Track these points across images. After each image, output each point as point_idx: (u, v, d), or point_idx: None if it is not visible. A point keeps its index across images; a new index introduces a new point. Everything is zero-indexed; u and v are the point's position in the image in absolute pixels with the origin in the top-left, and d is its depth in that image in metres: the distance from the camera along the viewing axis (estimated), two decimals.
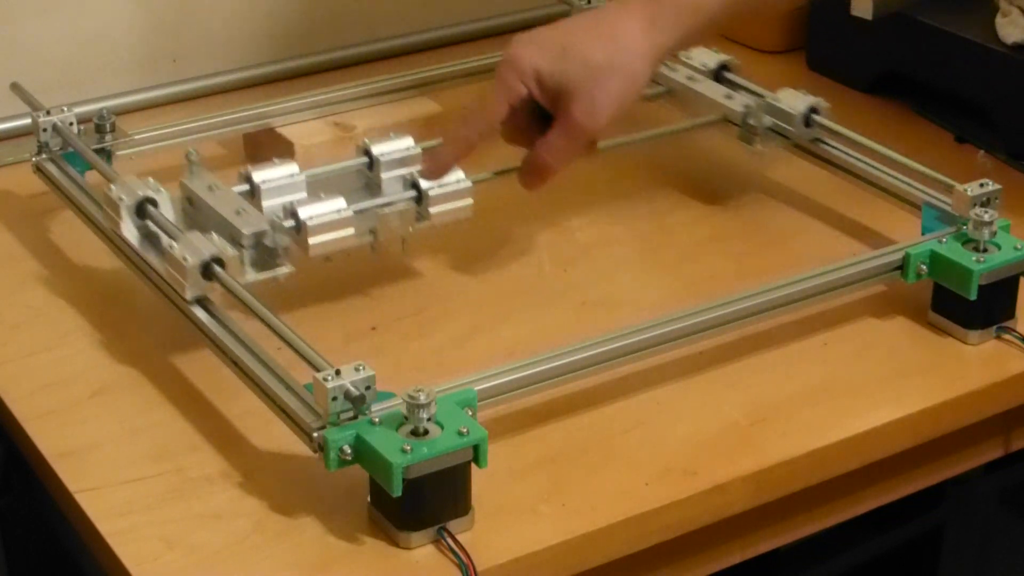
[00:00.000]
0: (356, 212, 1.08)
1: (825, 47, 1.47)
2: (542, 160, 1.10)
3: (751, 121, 1.23)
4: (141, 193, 1.06)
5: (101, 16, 1.39)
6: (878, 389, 1.04)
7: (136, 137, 1.22)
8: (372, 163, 1.12)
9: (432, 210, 1.11)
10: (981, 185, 1.10)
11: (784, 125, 1.23)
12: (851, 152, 1.21)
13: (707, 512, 0.96)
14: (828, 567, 1.36)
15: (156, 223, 1.05)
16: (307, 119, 1.29)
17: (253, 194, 1.09)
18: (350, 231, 1.07)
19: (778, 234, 1.22)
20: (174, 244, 1.01)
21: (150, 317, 1.09)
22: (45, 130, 1.19)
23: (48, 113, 1.19)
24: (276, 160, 1.11)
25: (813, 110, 1.22)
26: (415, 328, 1.10)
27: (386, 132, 1.27)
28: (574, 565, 0.92)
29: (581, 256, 1.18)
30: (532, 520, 0.92)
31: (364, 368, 0.89)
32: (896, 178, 1.17)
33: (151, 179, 1.08)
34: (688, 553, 0.99)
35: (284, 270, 1.03)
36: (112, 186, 1.07)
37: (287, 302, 1.08)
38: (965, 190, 1.10)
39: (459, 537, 0.89)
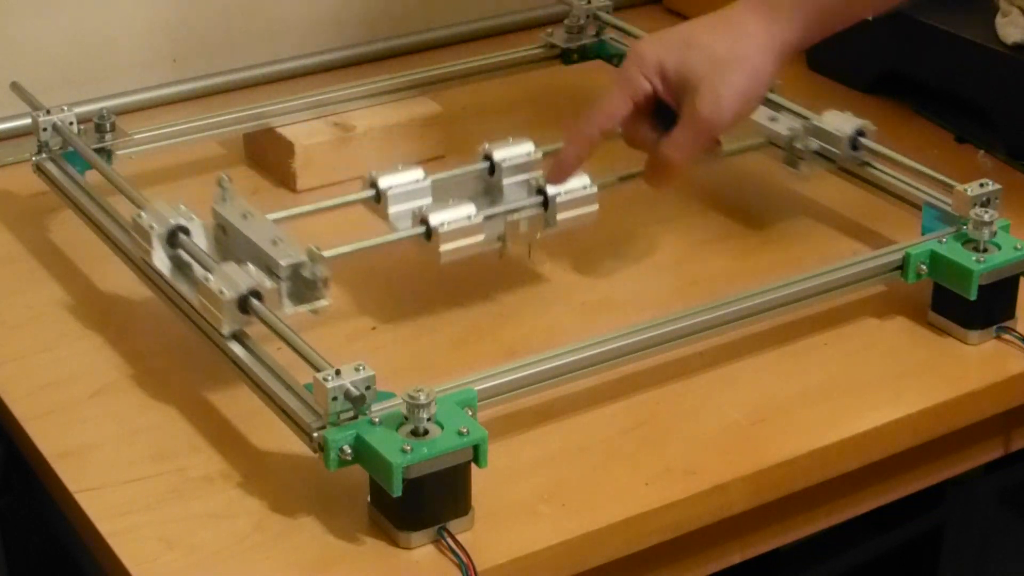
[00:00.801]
0: (485, 218, 1.08)
1: (825, 47, 1.46)
2: (667, 157, 1.09)
3: (797, 145, 1.21)
4: (173, 221, 1.03)
5: (101, 16, 1.39)
6: (878, 389, 1.04)
7: (136, 137, 1.22)
8: (493, 168, 1.12)
9: (559, 216, 1.10)
10: (981, 185, 1.10)
11: (831, 148, 1.20)
12: (895, 174, 1.18)
13: (707, 512, 0.96)
14: (828, 567, 1.36)
15: (189, 253, 1.02)
16: (307, 119, 1.29)
17: (378, 199, 1.09)
18: (480, 237, 1.07)
19: (778, 234, 1.22)
20: (209, 276, 0.98)
21: (150, 317, 1.09)
22: (45, 130, 1.19)
23: (48, 113, 1.19)
24: (400, 166, 1.10)
25: (860, 133, 1.19)
26: (415, 328, 1.10)
27: (388, 132, 1.28)
28: (574, 565, 0.92)
29: (581, 256, 1.18)
30: (532, 520, 0.92)
31: (364, 368, 0.89)
32: (896, 178, 1.17)
33: (183, 206, 1.04)
34: (688, 553, 0.99)
35: (323, 303, 1.00)
36: (143, 213, 1.04)
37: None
38: (965, 190, 1.10)
39: (459, 537, 0.89)
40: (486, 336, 1.09)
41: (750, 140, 1.24)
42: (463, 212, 1.07)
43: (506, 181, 1.12)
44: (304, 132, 1.28)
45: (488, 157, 1.13)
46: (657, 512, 0.93)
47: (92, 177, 1.17)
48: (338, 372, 0.89)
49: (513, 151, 1.13)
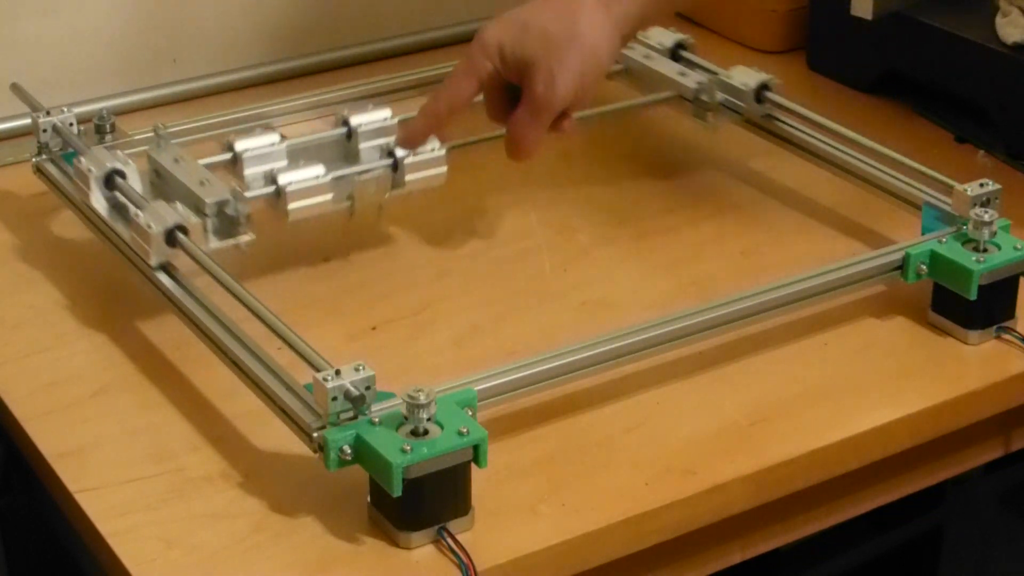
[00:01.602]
0: (334, 179, 1.12)
1: (825, 47, 1.47)
2: (513, 134, 1.12)
3: (704, 97, 1.27)
4: (110, 165, 1.10)
5: (101, 16, 1.39)
6: (878, 389, 1.04)
7: (136, 137, 1.22)
8: (350, 133, 1.16)
9: (407, 177, 1.15)
10: (981, 185, 1.10)
11: (736, 101, 1.26)
12: (801, 127, 1.24)
13: (707, 512, 0.96)
14: (828, 567, 1.37)
15: (124, 194, 1.09)
16: (307, 119, 1.29)
17: (235, 162, 1.13)
18: (328, 197, 1.11)
19: (778, 234, 1.22)
20: (140, 213, 1.05)
21: (150, 317, 1.09)
22: (45, 130, 1.19)
23: (48, 113, 1.19)
24: (258, 130, 1.15)
25: (764, 86, 1.25)
26: (415, 328, 1.10)
27: (387, 131, 1.28)
28: (574, 565, 0.92)
29: (581, 256, 1.18)
30: (532, 520, 0.92)
31: (364, 368, 0.89)
32: (896, 178, 1.17)
33: (120, 152, 1.12)
34: (688, 553, 0.99)
35: (245, 238, 1.07)
36: (82, 159, 1.11)
37: (287, 302, 1.08)
38: (965, 190, 1.10)
39: (459, 537, 0.89)
40: (486, 336, 1.09)
41: (660, 93, 1.29)
42: (311, 172, 1.11)
43: (362, 145, 1.16)
44: (304, 132, 1.27)
45: (345, 122, 1.17)
46: (657, 512, 0.93)
47: None
48: (338, 372, 0.89)
49: (369, 116, 1.17)
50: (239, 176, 1.13)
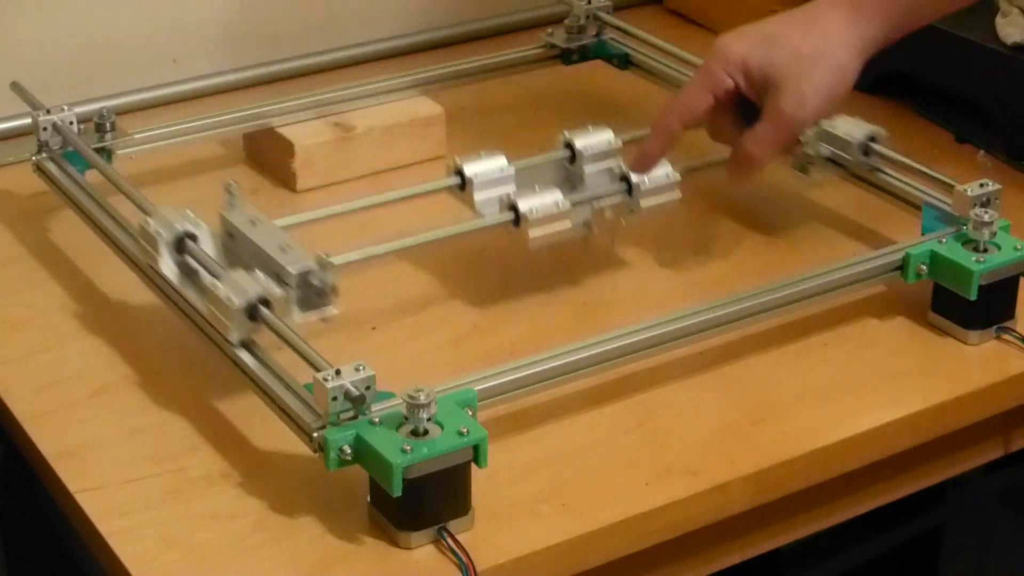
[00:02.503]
0: (573, 205, 1.10)
1: None
2: (749, 152, 1.10)
3: (808, 150, 1.20)
4: (180, 228, 1.02)
5: (101, 16, 1.39)
6: (878, 389, 1.04)
7: (136, 136, 1.22)
8: (574, 156, 1.14)
9: (642, 203, 1.13)
10: (981, 185, 1.10)
11: (842, 154, 1.19)
12: (895, 174, 1.18)
13: (707, 512, 0.96)
14: (828, 567, 1.36)
15: (196, 259, 1.01)
16: (307, 119, 1.29)
17: (463, 187, 1.11)
18: (567, 223, 1.10)
19: (778, 235, 1.22)
20: (218, 283, 0.97)
21: (150, 317, 1.09)
22: (45, 129, 1.19)
23: (48, 112, 1.19)
24: (483, 153, 1.12)
25: (872, 138, 1.18)
26: (415, 328, 1.10)
27: (388, 132, 1.28)
28: (574, 565, 0.92)
29: (581, 256, 1.18)
30: (532, 520, 0.92)
31: (364, 368, 0.89)
32: (896, 178, 1.17)
33: (190, 211, 1.03)
34: (688, 553, 0.99)
35: (331, 311, 0.99)
36: (150, 220, 1.03)
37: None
38: (965, 190, 1.10)
39: (459, 537, 0.89)
40: (486, 336, 1.09)
41: None
42: (551, 198, 1.09)
43: (587, 169, 1.14)
44: (304, 132, 1.28)
45: (569, 145, 1.14)
46: (657, 512, 0.93)
47: (92, 177, 1.17)
48: (338, 372, 0.89)
49: (594, 139, 1.14)
50: (467, 201, 1.11)
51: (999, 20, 1.32)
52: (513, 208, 1.08)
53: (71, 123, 1.19)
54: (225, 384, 1.00)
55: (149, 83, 1.41)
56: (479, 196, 1.10)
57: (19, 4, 1.35)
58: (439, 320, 1.11)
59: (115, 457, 0.97)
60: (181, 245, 1.02)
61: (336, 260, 1.00)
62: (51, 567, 1.16)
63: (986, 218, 1.08)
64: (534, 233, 1.08)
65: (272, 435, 0.96)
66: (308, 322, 0.99)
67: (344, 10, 1.50)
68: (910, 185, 1.16)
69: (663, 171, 1.13)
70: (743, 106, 1.11)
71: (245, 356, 0.96)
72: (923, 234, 1.12)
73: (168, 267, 1.02)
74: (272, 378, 0.94)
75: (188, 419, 1.00)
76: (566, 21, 1.40)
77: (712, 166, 1.17)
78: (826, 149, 1.20)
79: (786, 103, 1.07)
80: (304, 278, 0.99)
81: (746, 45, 1.09)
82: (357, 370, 0.89)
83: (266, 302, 0.96)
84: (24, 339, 1.08)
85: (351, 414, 0.89)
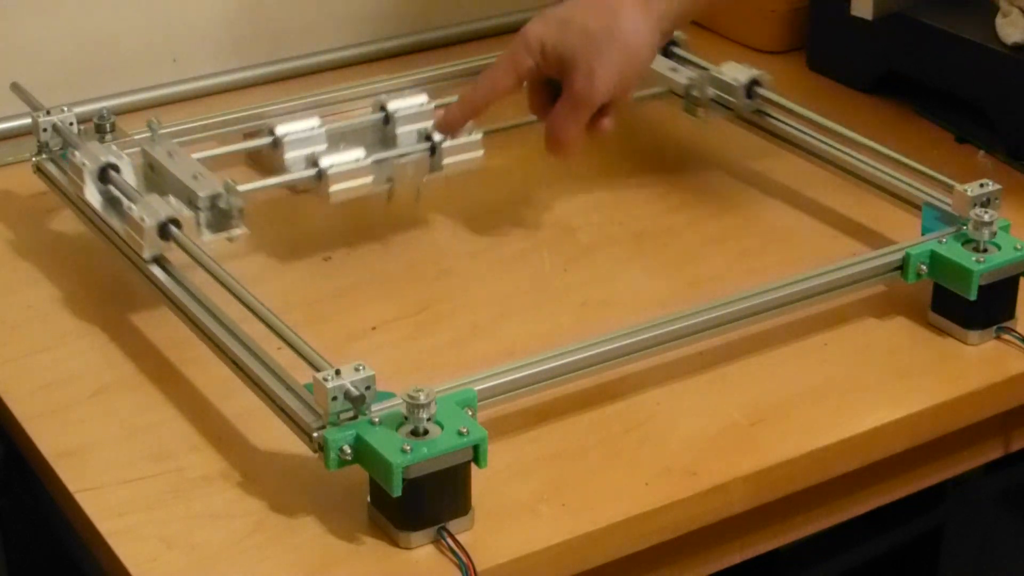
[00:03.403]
0: (374, 162, 1.15)
1: (825, 47, 1.47)
2: (552, 128, 1.15)
3: (695, 93, 1.28)
4: (104, 159, 1.10)
5: (101, 16, 1.39)
6: (878, 389, 1.04)
7: (136, 137, 1.22)
8: (388, 118, 1.19)
9: (445, 161, 1.18)
10: (981, 185, 1.10)
11: (727, 97, 1.26)
12: (792, 123, 1.24)
13: (707, 512, 0.96)
14: (828, 567, 1.37)
15: (117, 187, 1.09)
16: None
17: (276, 145, 1.17)
18: (368, 179, 1.15)
19: (778, 234, 1.22)
20: (133, 206, 1.06)
21: (150, 317, 1.09)
22: (45, 130, 1.19)
23: (48, 113, 1.19)
24: (299, 114, 1.18)
25: (755, 82, 1.25)
26: (415, 328, 1.10)
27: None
28: (574, 565, 0.92)
29: (581, 256, 1.18)
30: (532, 520, 0.92)
31: (364, 368, 0.89)
32: (896, 178, 1.17)
33: (114, 146, 1.13)
34: (688, 553, 0.99)
35: (238, 231, 1.08)
36: (76, 152, 1.11)
37: (287, 302, 1.08)
38: (965, 190, 1.10)
39: (459, 537, 0.89)
40: (486, 336, 1.09)
41: (651, 89, 1.30)
42: (352, 155, 1.15)
43: (399, 130, 1.19)
44: None
45: (383, 107, 1.19)
46: (657, 512, 0.93)
47: None
48: (338, 372, 0.89)
49: (407, 101, 1.20)
50: (279, 159, 1.17)
51: (999, 20, 1.32)
52: (316, 164, 1.14)
53: (71, 123, 1.19)
54: (225, 384, 0.99)
55: (149, 83, 1.41)
56: (289, 154, 1.17)
57: (19, 4, 1.35)
58: (439, 320, 1.11)
59: (115, 457, 0.97)
60: (104, 175, 1.10)
61: (243, 187, 1.09)
62: (51, 567, 1.16)
63: (986, 218, 1.08)
64: (334, 188, 1.14)
65: (272, 435, 0.96)
66: (217, 242, 1.07)
67: (344, 10, 1.50)
68: (910, 185, 1.16)
69: (466, 131, 1.18)
70: (556, 85, 1.15)
71: (158, 272, 1.04)
72: (923, 234, 1.12)
73: (92, 195, 1.10)
74: (272, 378, 0.94)
75: (188, 419, 1.00)
76: None
77: (514, 128, 1.23)
78: (713, 92, 1.27)
79: (577, 81, 1.12)
80: (212, 201, 1.07)
81: (544, 28, 1.14)
82: (357, 370, 0.89)
83: (176, 222, 1.04)
84: (24, 339, 1.08)
85: (351, 414, 0.89)
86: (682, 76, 1.29)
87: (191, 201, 1.08)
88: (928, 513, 1.37)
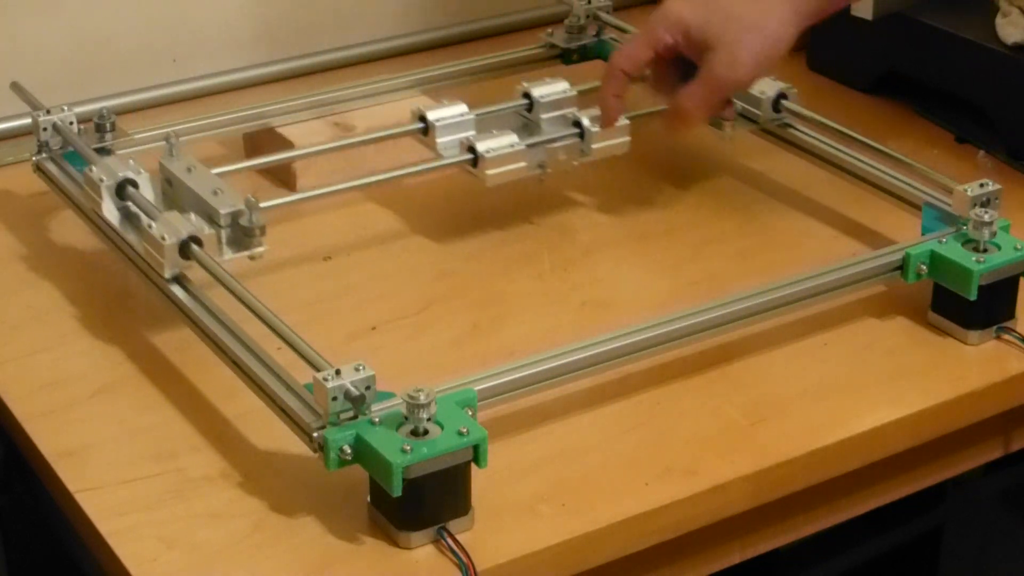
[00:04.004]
0: (528, 147, 1.17)
1: (825, 47, 1.47)
2: (682, 107, 1.16)
3: None
4: (122, 174, 1.08)
5: (101, 16, 1.39)
6: (878, 389, 1.04)
7: (136, 137, 1.22)
8: (532, 105, 1.22)
9: (594, 146, 1.20)
10: (981, 185, 1.10)
11: (753, 109, 1.26)
12: (820, 136, 1.23)
13: (707, 512, 0.96)
14: (828, 567, 1.37)
15: (136, 204, 1.08)
16: (307, 119, 1.29)
17: (426, 132, 1.19)
18: (522, 164, 1.17)
19: (778, 234, 1.22)
20: (152, 224, 1.03)
21: (150, 317, 1.09)
22: (45, 129, 1.19)
23: (48, 112, 1.19)
24: (445, 101, 1.20)
25: (782, 95, 1.25)
26: (415, 328, 1.10)
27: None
28: (574, 565, 0.92)
29: (581, 256, 1.18)
30: (532, 520, 0.92)
31: (364, 368, 0.89)
32: (896, 178, 1.17)
33: (132, 161, 1.10)
34: (688, 553, 0.99)
35: (260, 249, 1.05)
36: (93, 168, 1.09)
37: (288, 302, 1.08)
38: (965, 190, 1.10)
39: (459, 537, 0.89)
40: (486, 336, 1.09)
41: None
42: (507, 140, 1.17)
43: (543, 116, 1.21)
44: (304, 132, 1.28)
45: (527, 95, 1.22)
46: (657, 512, 0.93)
47: None
48: (338, 372, 0.89)
49: (549, 88, 1.22)
50: (430, 144, 1.18)
51: (999, 20, 1.32)
52: (471, 149, 1.16)
53: (71, 123, 1.19)
54: (225, 384, 1.00)
55: (149, 83, 1.41)
56: (441, 139, 1.18)
57: (19, 4, 1.35)
58: (439, 320, 1.11)
59: (115, 457, 0.97)
60: (122, 191, 1.08)
61: (263, 204, 1.06)
62: (51, 567, 1.16)
63: (986, 218, 1.08)
64: (491, 172, 1.15)
65: (272, 435, 0.96)
66: (238, 260, 1.04)
67: (344, 10, 1.50)
68: (910, 185, 1.16)
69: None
70: (684, 64, 1.17)
71: (179, 292, 1.02)
72: (923, 234, 1.12)
73: (110, 211, 1.08)
74: (272, 378, 0.94)
75: (188, 419, 1.00)
76: (566, 21, 1.40)
77: (652, 115, 1.24)
78: (738, 105, 1.25)
79: (719, 65, 1.14)
80: (233, 218, 1.05)
81: (686, 8, 1.15)
82: (357, 370, 0.89)
83: (197, 240, 1.02)
84: (24, 339, 1.08)
85: (351, 414, 0.89)
86: None
87: (211, 218, 1.05)
88: (928, 513, 1.37)
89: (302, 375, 0.92)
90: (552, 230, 1.22)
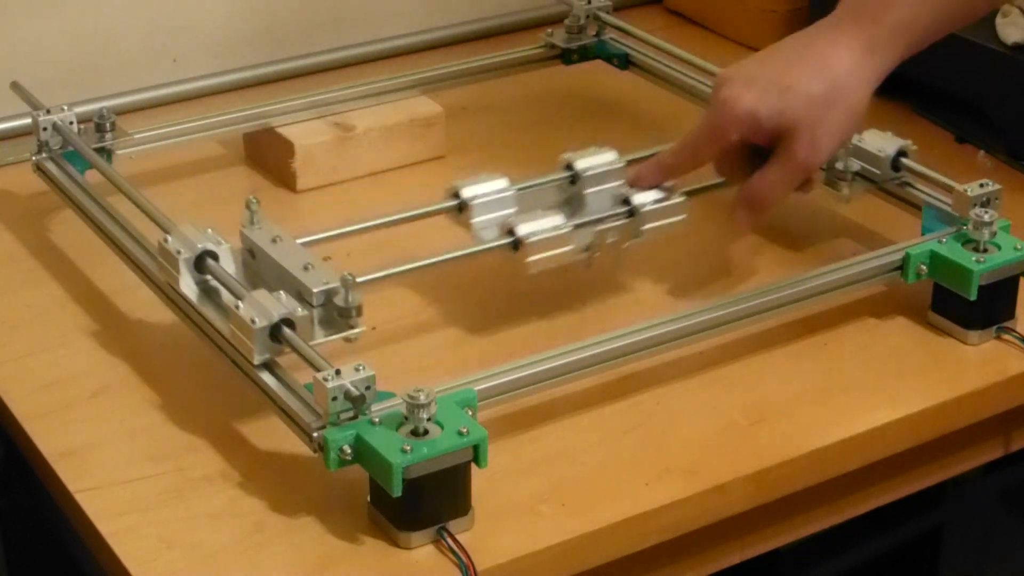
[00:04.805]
0: (574, 228, 1.07)
1: None
2: (760, 194, 1.08)
3: (838, 165, 1.17)
4: (200, 246, 1.00)
5: (101, 16, 1.39)
6: (878, 389, 1.04)
7: (136, 137, 1.22)
8: (575, 177, 1.11)
9: (645, 226, 1.10)
10: (981, 185, 1.10)
11: (872, 169, 1.17)
12: (931, 192, 1.15)
13: (707, 512, 0.96)
14: (828, 567, 1.36)
15: (217, 278, 1.00)
16: (307, 119, 1.29)
17: (461, 210, 1.08)
18: (568, 248, 1.07)
19: (778, 234, 1.22)
20: (240, 304, 0.95)
21: (150, 317, 1.09)
22: (45, 129, 1.19)
23: (48, 112, 1.19)
24: (483, 175, 1.09)
25: (902, 153, 1.17)
26: (415, 328, 1.10)
27: (388, 132, 1.28)
28: (574, 565, 0.92)
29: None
30: (532, 520, 0.92)
31: (364, 368, 0.89)
32: (896, 178, 1.17)
33: (210, 230, 1.01)
34: (688, 553, 0.99)
35: (356, 331, 0.97)
36: (169, 237, 1.01)
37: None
38: (965, 190, 1.10)
39: (459, 537, 0.89)
40: (486, 336, 1.09)
41: None
42: (550, 222, 1.06)
43: (588, 191, 1.10)
44: (304, 132, 1.28)
45: (570, 167, 1.11)
46: (657, 512, 0.93)
47: (92, 177, 1.17)
48: (338, 372, 0.89)
49: (595, 160, 1.11)
50: (465, 224, 1.08)
51: (999, 20, 1.32)
52: (512, 232, 1.06)
53: (71, 123, 1.19)
54: (225, 384, 0.99)
55: (149, 83, 1.41)
56: (477, 220, 1.08)
57: (19, 4, 1.35)
58: (439, 320, 1.11)
59: (115, 457, 0.97)
60: (201, 264, 1.00)
61: (360, 279, 0.98)
62: (51, 567, 1.16)
63: (986, 218, 1.08)
64: (533, 258, 1.05)
65: (272, 435, 0.96)
66: (330, 343, 0.96)
67: (344, 10, 1.50)
68: (910, 185, 1.16)
69: (666, 194, 1.11)
70: (752, 146, 1.09)
71: (268, 379, 0.94)
72: (923, 234, 1.12)
73: (188, 287, 1.00)
74: (272, 378, 0.94)
75: (188, 419, 1.00)
76: (566, 21, 1.40)
77: (713, 188, 1.14)
78: (856, 164, 1.17)
79: (800, 149, 1.06)
80: (328, 297, 0.97)
81: (755, 97, 1.06)
82: (357, 370, 0.89)
83: (290, 323, 0.94)
84: (24, 339, 1.08)
85: (351, 414, 0.89)
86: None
87: (302, 296, 0.97)
88: (928, 513, 1.37)
89: (302, 375, 0.92)
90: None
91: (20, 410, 1.01)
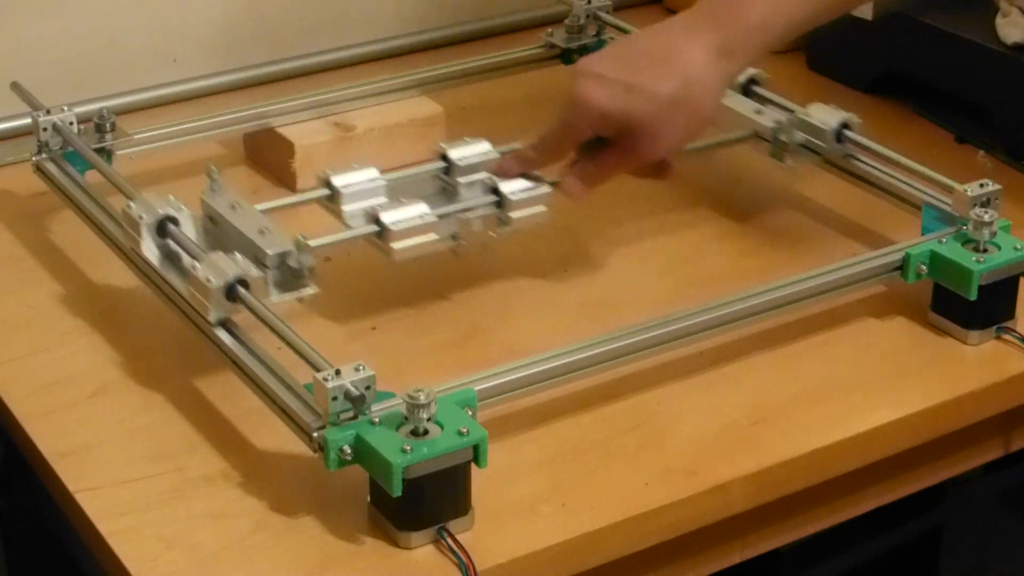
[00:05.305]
0: (439, 217, 1.09)
1: (825, 47, 1.47)
2: (597, 172, 1.12)
3: (782, 137, 1.21)
4: (162, 211, 1.04)
5: (101, 16, 1.39)
6: (878, 389, 1.04)
7: (136, 137, 1.22)
8: (449, 167, 1.12)
9: (513, 215, 1.11)
10: (981, 185, 1.10)
11: (816, 141, 1.20)
12: (882, 167, 1.18)
13: (707, 512, 0.96)
14: (828, 567, 1.36)
15: (178, 242, 1.03)
16: (307, 119, 1.29)
17: (332, 199, 1.09)
18: (433, 236, 1.08)
19: (778, 234, 1.22)
20: (197, 265, 0.99)
21: (150, 317, 1.09)
22: (45, 129, 1.19)
23: (48, 112, 1.19)
24: (355, 165, 1.11)
25: (845, 125, 1.19)
26: (415, 328, 1.10)
27: (388, 132, 1.28)
28: (574, 565, 0.92)
29: (581, 256, 1.18)
30: (532, 520, 0.92)
31: (364, 368, 0.89)
32: (896, 178, 1.17)
33: (172, 197, 1.05)
34: (688, 553, 0.99)
35: (309, 291, 1.02)
36: (132, 204, 1.05)
37: (287, 302, 1.08)
38: (965, 190, 1.10)
39: (459, 537, 0.89)
40: (486, 336, 1.09)
41: (736, 132, 1.24)
42: (415, 211, 1.08)
43: (461, 180, 1.12)
44: (304, 132, 1.28)
45: (444, 156, 1.13)
46: (657, 512, 0.93)
47: (92, 177, 1.17)
48: (338, 372, 0.89)
49: (469, 150, 1.13)
50: (336, 212, 1.09)
51: (999, 20, 1.32)
52: (377, 220, 1.07)
53: (71, 123, 1.19)
54: (225, 384, 1.00)
55: (149, 83, 1.41)
56: (347, 207, 1.09)
57: (19, 4, 1.35)
58: (439, 320, 1.11)
59: (115, 457, 0.97)
60: (163, 229, 1.04)
61: (314, 243, 1.02)
62: (51, 567, 1.16)
63: (986, 218, 1.08)
64: (397, 245, 1.06)
65: (272, 435, 0.96)
66: (286, 302, 1.01)
67: (344, 10, 1.50)
68: (910, 185, 1.16)
69: (534, 183, 1.12)
70: None
71: (224, 336, 0.98)
72: (923, 234, 1.12)
73: (150, 250, 1.04)
74: (272, 378, 0.94)
75: (188, 419, 1.00)
76: (566, 21, 1.40)
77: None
78: (800, 136, 1.20)
79: (640, 145, 1.09)
80: (282, 259, 1.01)
81: (605, 97, 1.08)
82: (357, 370, 0.89)
83: (244, 282, 0.98)
84: (24, 339, 1.08)
85: (351, 414, 0.89)
86: (768, 119, 1.21)
87: (257, 258, 1.01)
88: (928, 513, 1.37)
89: (302, 375, 0.92)
90: (552, 230, 1.21)
91: (20, 410, 1.01)
